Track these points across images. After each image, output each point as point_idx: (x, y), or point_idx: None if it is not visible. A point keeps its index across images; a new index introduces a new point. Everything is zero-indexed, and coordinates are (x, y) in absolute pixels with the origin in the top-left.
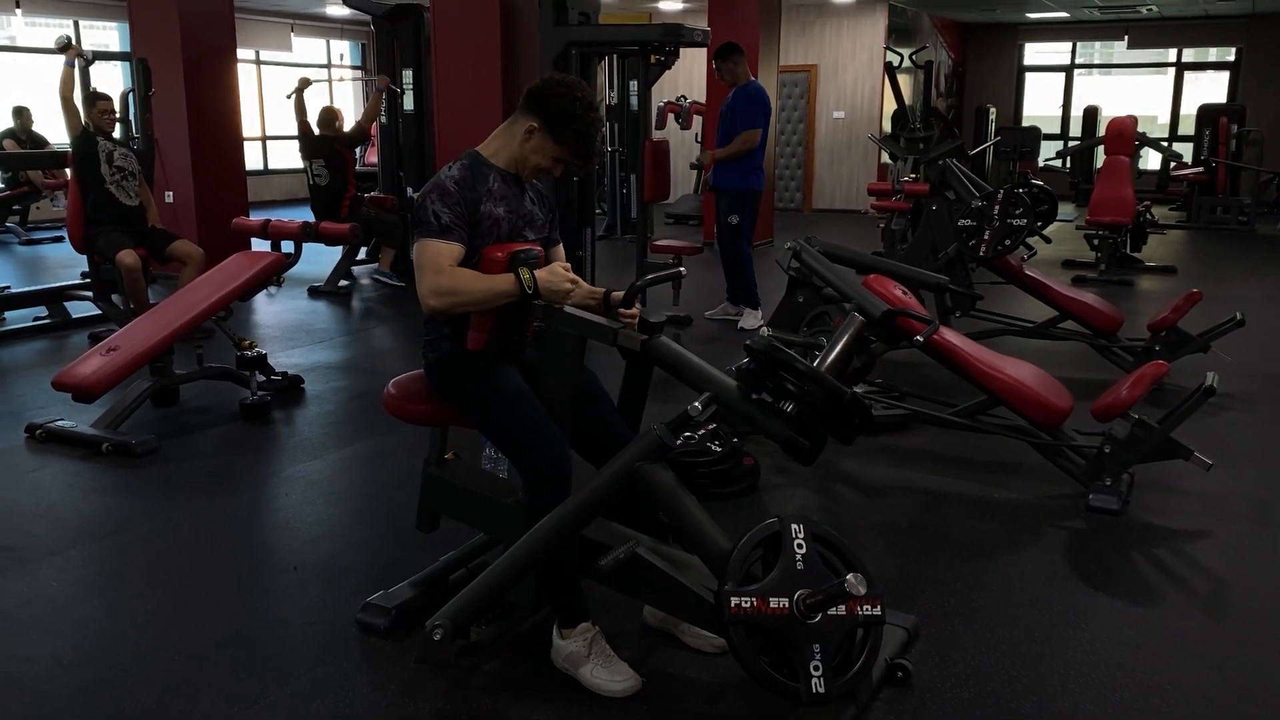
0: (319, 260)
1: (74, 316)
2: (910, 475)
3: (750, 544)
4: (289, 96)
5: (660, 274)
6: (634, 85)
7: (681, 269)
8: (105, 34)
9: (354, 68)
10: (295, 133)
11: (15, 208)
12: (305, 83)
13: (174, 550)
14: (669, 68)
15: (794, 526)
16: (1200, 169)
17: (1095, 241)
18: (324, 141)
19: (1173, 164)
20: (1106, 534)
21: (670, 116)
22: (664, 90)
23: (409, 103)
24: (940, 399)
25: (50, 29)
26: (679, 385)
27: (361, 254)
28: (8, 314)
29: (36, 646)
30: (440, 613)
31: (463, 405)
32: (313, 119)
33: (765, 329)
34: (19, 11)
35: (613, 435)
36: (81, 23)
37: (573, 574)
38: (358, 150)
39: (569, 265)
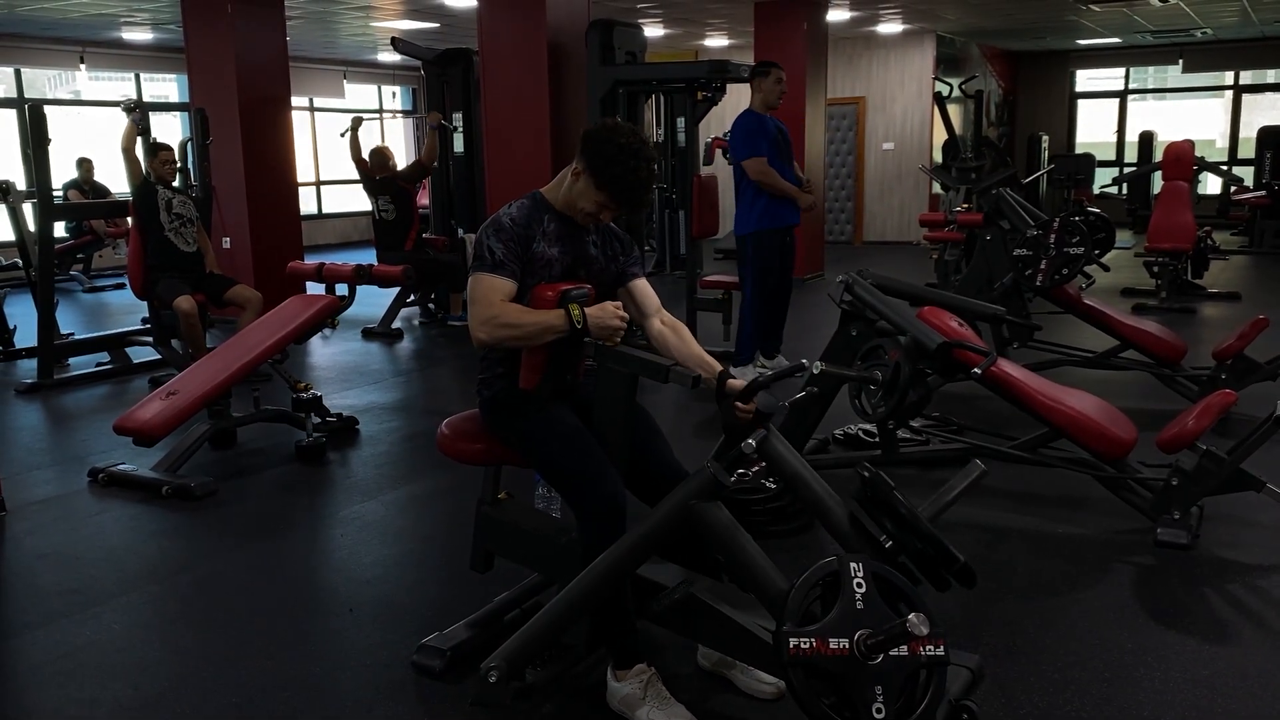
0: (373, 302)
1: (135, 361)
2: (970, 511)
3: (809, 583)
4: (343, 135)
5: (783, 370)
6: (681, 122)
7: (804, 361)
8: (165, 86)
9: (405, 112)
10: (350, 177)
11: (79, 256)
12: (358, 121)
13: (232, 592)
14: (716, 104)
15: (853, 565)
16: (1262, 193)
17: (1155, 269)
18: (387, 181)
19: (1233, 188)
20: (1176, 569)
21: (718, 152)
22: (711, 126)
23: (459, 144)
24: (999, 432)
25: (113, 83)
26: None
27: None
28: (71, 360)
29: (98, 689)
30: (495, 654)
31: (516, 443)
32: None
33: (819, 364)
34: (83, 66)
35: (666, 472)
36: (142, 75)
37: (628, 614)
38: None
39: (620, 304)
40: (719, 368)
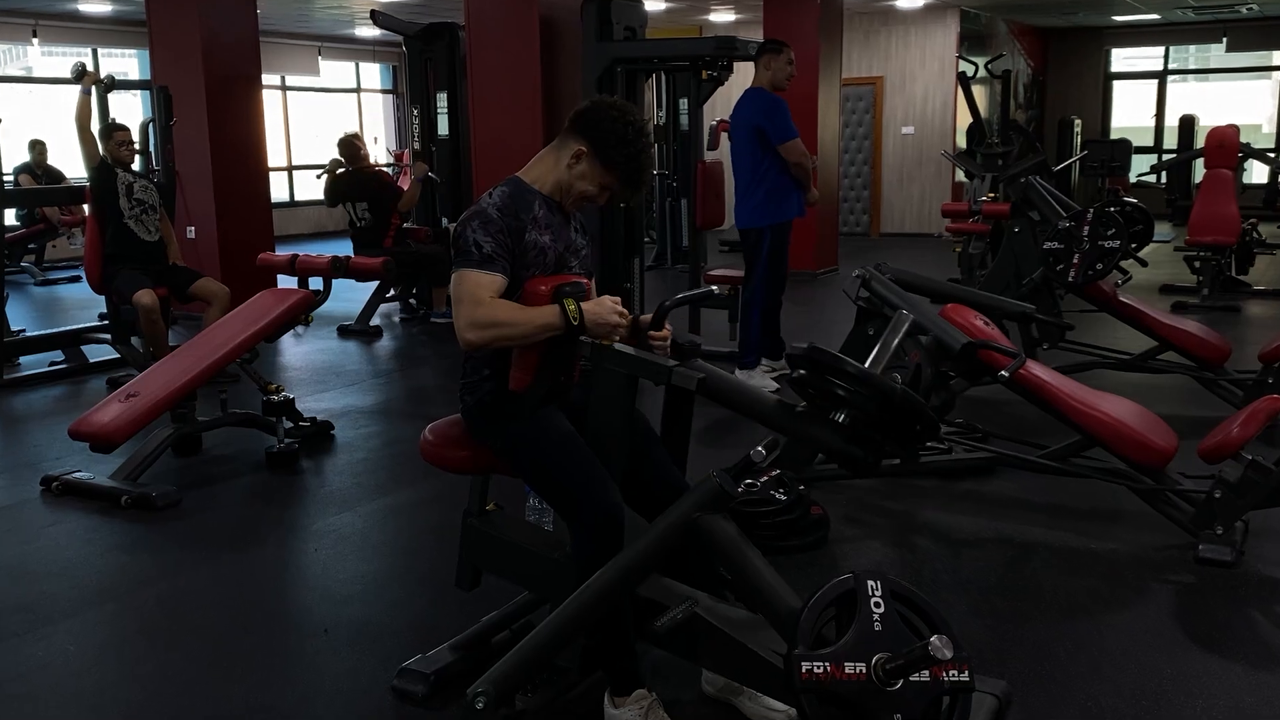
0: (350, 297)
1: (92, 361)
2: (997, 525)
3: (822, 602)
4: (319, 176)
5: (690, 293)
6: (684, 103)
7: (714, 288)
8: (124, 62)
9: (384, 91)
10: (326, 174)
11: (31, 246)
12: (336, 164)
13: (197, 611)
14: (722, 83)
15: (870, 583)
16: None
17: (1196, 264)
18: (363, 182)
19: None
20: (1219, 589)
21: (724, 136)
22: (716, 108)
23: (443, 127)
24: (1028, 440)
25: (68, 58)
26: (732, 430)
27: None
28: (23, 359)
29: (52, 714)
30: (483, 679)
31: (505, 451)
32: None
33: None
34: (35, 41)
35: (666, 483)
36: (100, 51)
37: (626, 636)
38: (392, 169)
39: (619, 299)
40: (630, 315)
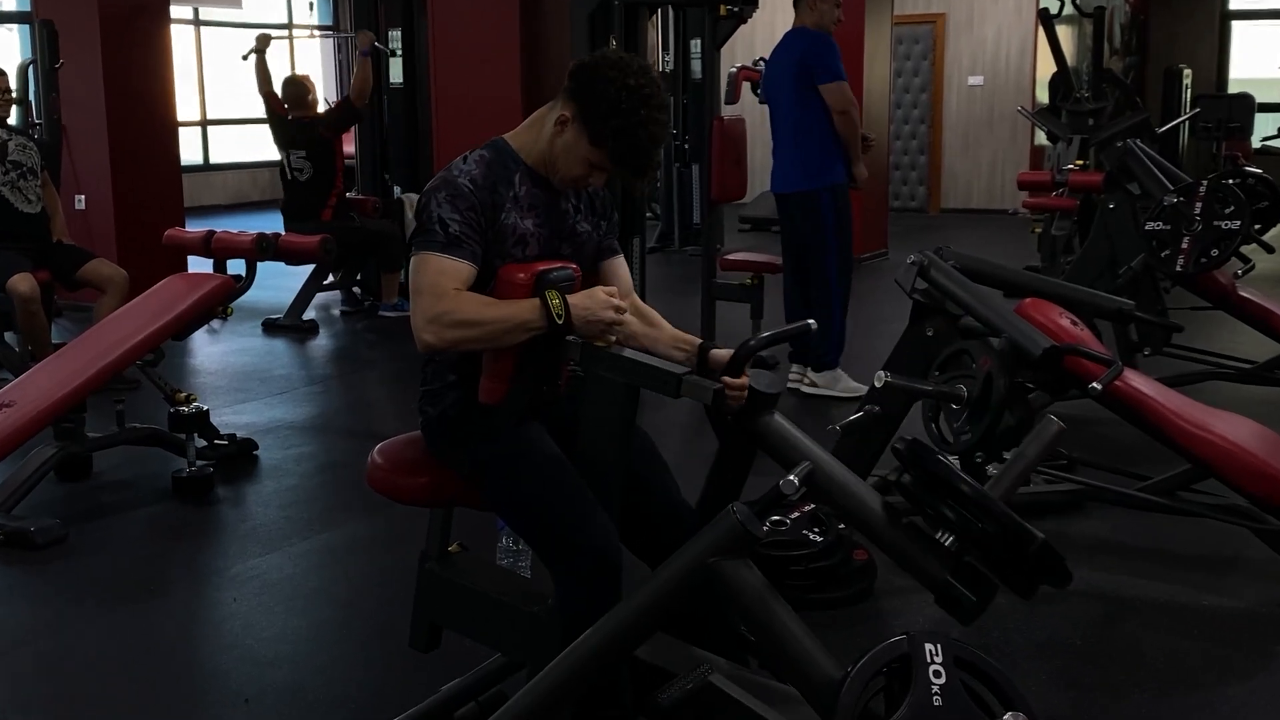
0: (278, 284)
1: None
2: (1086, 575)
3: (869, 670)
4: (245, 58)
5: (785, 330)
6: (696, 46)
7: (811, 322)
8: None
9: (322, 28)
10: (250, 115)
11: None
12: (265, 40)
13: (86, 675)
14: (744, 21)
15: (929, 647)
16: None
17: None
18: (304, 126)
19: None
20: None
21: (746, 86)
22: (735, 52)
23: (397, 74)
24: (1125, 469)
25: None
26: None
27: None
28: None
29: None
30: None
31: (473, 478)
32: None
33: (882, 374)
34: None
35: (673, 519)
36: None
37: (623, 709)
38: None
39: (615, 290)
40: (698, 341)
